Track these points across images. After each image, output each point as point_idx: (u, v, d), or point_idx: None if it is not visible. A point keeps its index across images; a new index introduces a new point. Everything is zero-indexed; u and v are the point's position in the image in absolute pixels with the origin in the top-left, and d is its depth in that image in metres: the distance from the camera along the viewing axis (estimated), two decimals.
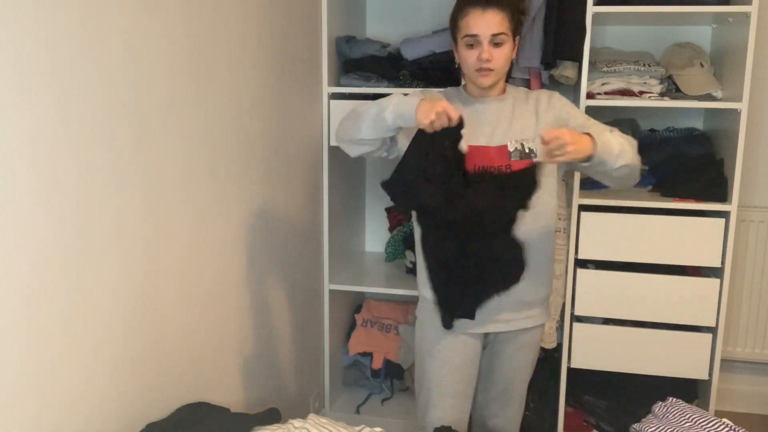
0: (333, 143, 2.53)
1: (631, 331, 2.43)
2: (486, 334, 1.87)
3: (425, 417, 1.88)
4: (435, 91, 1.82)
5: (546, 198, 1.76)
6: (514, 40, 1.73)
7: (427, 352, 1.87)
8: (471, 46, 1.69)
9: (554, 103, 1.79)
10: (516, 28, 1.73)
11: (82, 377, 1.27)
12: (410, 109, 1.57)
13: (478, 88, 1.77)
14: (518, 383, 1.96)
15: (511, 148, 1.64)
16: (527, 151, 1.64)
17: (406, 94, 1.66)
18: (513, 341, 1.88)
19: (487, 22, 1.66)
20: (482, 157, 1.70)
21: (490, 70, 1.69)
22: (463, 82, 1.86)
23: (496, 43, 1.67)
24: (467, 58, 1.70)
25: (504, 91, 1.80)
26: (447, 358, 1.84)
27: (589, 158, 1.57)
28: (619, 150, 1.61)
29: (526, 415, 2.55)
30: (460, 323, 1.79)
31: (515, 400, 1.97)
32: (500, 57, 1.69)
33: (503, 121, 1.75)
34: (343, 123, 1.75)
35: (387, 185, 1.67)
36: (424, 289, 1.85)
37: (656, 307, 2.39)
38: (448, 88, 1.87)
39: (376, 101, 1.66)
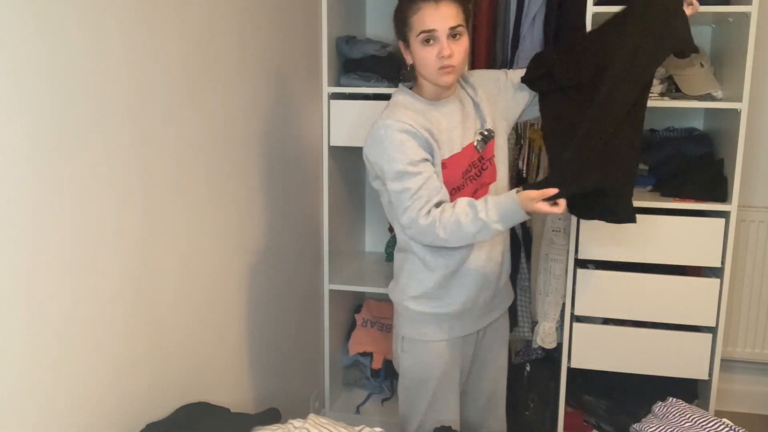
0: (333, 143, 2.54)
1: (631, 331, 2.43)
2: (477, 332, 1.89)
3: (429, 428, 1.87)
4: (400, 103, 1.71)
5: (502, 169, 1.81)
6: (468, 33, 1.68)
7: (432, 373, 1.82)
8: (428, 42, 1.60)
9: (473, 83, 1.79)
10: (468, 21, 1.67)
11: (82, 377, 1.27)
12: (521, 215, 1.56)
13: (436, 90, 1.70)
14: (503, 382, 2.02)
15: (475, 143, 1.72)
16: (486, 133, 1.75)
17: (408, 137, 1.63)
18: (495, 330, 1.93)
19: (442, 16, 1.58)
20: (460, 164, 1.70)
21: (452, 66, 1.62)
22: (403, 86, 1.77)
23: (453, 36, 1.61)
24: (426, 57, 1.62)
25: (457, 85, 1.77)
26: (455, 366, 1.85)
27: None
28: None
29: (526, 415, 2.56)
30: (467, 325, 1.83)
31: (501, 399, 2.04)
32: (460, 51, 1.62)
33: (465, 118, 1.73)
34: (433, 242, 1.67)
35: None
36: (434, 303, 1.79)
37: (656, 307, 2.39)
38: (399, 98, 1.73)
39: (469, 219, 1.57)
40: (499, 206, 1.57)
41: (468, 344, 1.87)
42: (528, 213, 1.55)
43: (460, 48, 1.63)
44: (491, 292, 1.84)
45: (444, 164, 1.68)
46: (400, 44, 1.71)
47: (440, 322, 1.79)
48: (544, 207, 1.53)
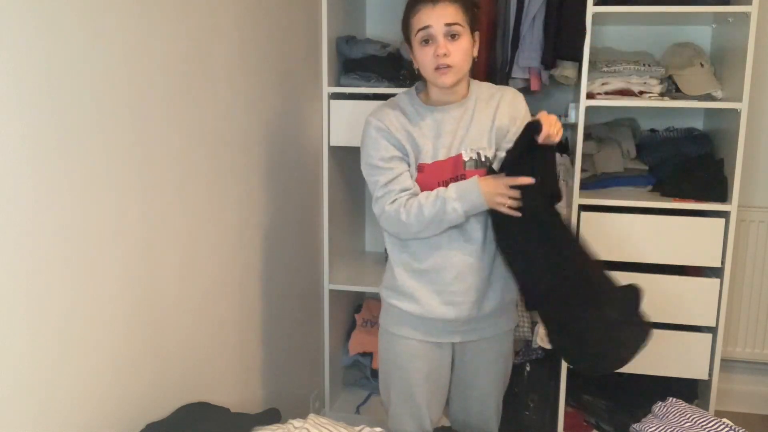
0: (333, 143, 2.54)
1: None
2: (453, 344, 1.82)
3: (401, 426, 1.86)
4: (389, 105, 1.74)
5: None
6: (472, 34, 1.64)
7: (395, 365, 1.83)
8: (426, 41, 1.60)
9: (516, 104, 1.72)
10: (473, 22, 1.65)
11: (82, 377, 1.27)
12: (481, 200, 1.60)
13: (438, 94, 1.69)
14: (497, 396, 1.91)
15: (466, 158, 1.66)
16: (483, 159, 1.66)
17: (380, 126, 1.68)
18: (485, 351, 1.83)
19: (438, 14, 1.58)
20: (439, 172, 1.67)
21: (449, 66, 1.59)
22: (415, 90, 1.76)
23: (452, 35, 1.59)
24: (424, 57, 1.62)
25: (467, 92, 1.71)
26: (418, 367, 1.80)
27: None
28: None
29: (526, 415, 2.55)
30: (431, 333, 1.79)
31: (494, 412, 1.93)
32: (458, 51, 1.60)
33: (462, 128, 1.68)
34: (399, 230, 1.69)
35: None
36: (397, 297, 1.78)
37: (656, 307, 2.37)
38: (398, 97, 1.76)
39: (430, 201, 1.62)
40: (458, 185, 1.63)
41: (443, 351, 1.81)
42: (486, 198, 1.59)
43: (458, 48, 1.60)
44: (464, 314, 1.73)
45: (421, 167, 1.67)
46: (408, 48, 1.71)
47: (403, 317, 1.78)
48: (503, 190, 1.59)
